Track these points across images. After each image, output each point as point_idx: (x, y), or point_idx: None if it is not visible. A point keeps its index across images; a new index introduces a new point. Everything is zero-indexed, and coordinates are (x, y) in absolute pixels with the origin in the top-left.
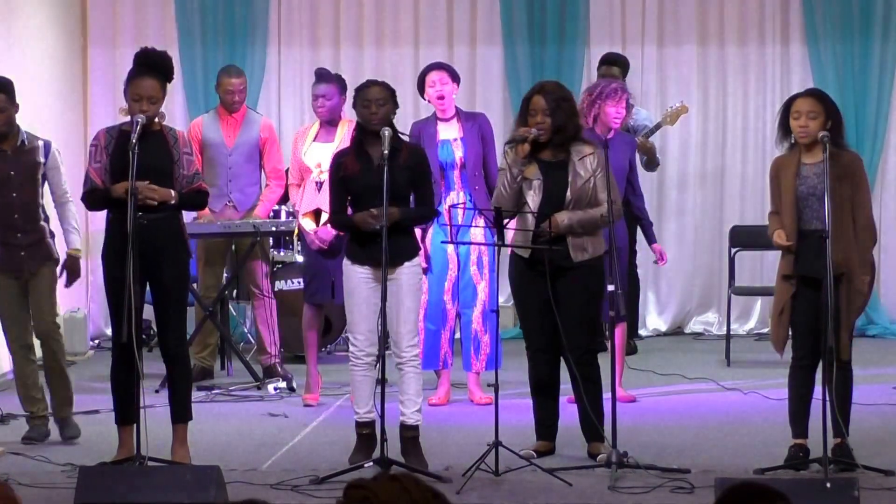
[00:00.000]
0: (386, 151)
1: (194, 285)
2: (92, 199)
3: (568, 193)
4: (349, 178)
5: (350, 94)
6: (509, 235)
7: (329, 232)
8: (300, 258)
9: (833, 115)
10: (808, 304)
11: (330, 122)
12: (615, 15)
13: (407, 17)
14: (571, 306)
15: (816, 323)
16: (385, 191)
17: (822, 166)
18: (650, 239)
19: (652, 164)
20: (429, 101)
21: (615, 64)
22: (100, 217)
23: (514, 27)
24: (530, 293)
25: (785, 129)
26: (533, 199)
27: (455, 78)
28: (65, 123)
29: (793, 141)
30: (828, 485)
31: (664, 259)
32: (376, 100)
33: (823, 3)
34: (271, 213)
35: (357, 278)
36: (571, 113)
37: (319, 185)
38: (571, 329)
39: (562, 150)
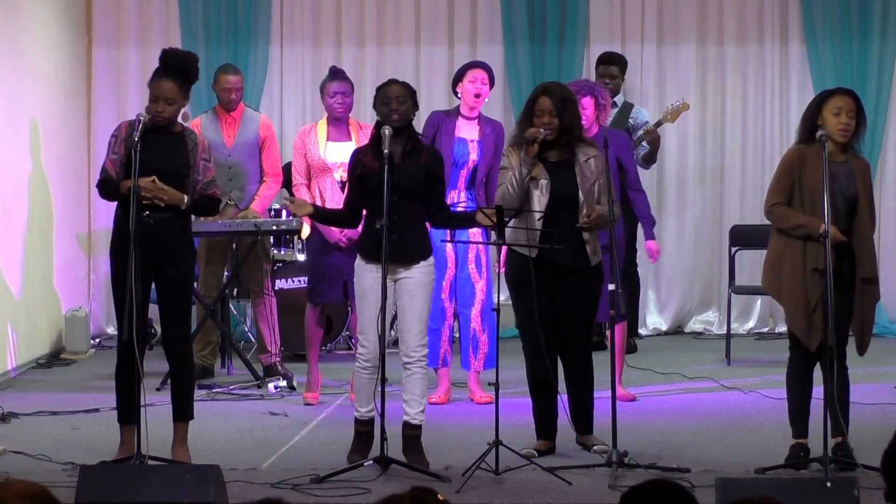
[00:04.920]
0: (386, 151)
1: (195, 283)
2: (105, 188)
3: (580, 194)
4: (367, 176)
5: (361, 94)
6: (510, 234)
7: (356, 231)
8: (301, 257)
9: (862, 118)
10: (839, 303)
11: (340, 121)
12: (615, 14)
13: (408, 16)
14: (575, 306)
15: (844, 322)
16: (385, 189)
17: (847, 166)
18: (646, 235)
19: (653, 157)
20: (460, 97)
21: (613, 62)
22: (103, 215)
23: (515, 26)
24: (534, 292)
25: (812, 123)
26: (540, 198)
27: (492, 82)
28: (69, 122)
29: (819, 137)
30: (828, 484)
31: (654, 258)
32: (396, 97)
33: (822, 3)
34: (272, 213)
35: (371, 278)
36: (576, 114)
37: (343, 184)
38: (573, 328)
39: (566, 150)
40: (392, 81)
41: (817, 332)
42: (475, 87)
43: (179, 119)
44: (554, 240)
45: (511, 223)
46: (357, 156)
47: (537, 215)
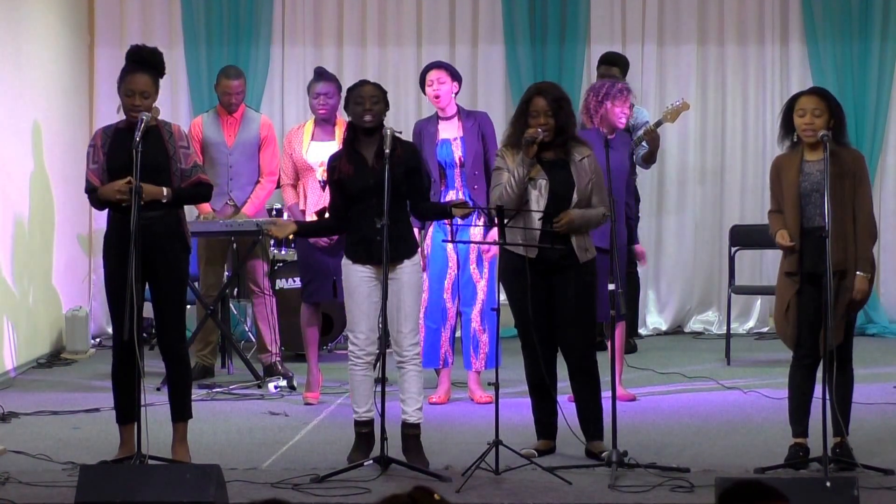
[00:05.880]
0: (387, 150)
1: (195, 284)
2: (92, 199)
3: (574, 194)
4: (344, 181)
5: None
6: (511, 234)
7: None
8: None
9: (836, 113)
10: (811, 302)
11: (326, 121)
12: (615, 14)
13: (409, 16)
14: (570, 304)
15: (819, 320)
16: (387, 189)
17: (823, 163)
18: (632, 239)
19: (653, 157)
20: (430, 99)
21: (615, 64)
22: (103, 216)
23: (516, 26)
24: (529, 292)
25: (787, 126)
26: (538, 199)
27: (455, 77)
28: (71, 123)
29: (794, 139)
30: (828, 484)
31: (643, 261)
32: (370, 97)
33: (823, 3)
34: (273, 212)
35: (357, 277)
36: (570, 113)
37: (324, 184)
38: (571, 327)
39: (561, 150)
40: (364, 82)
41: (791, 334)
42: (432, 89)
43: (147, 114)
44: (553, 239)
45: (509, 223)
46: (333, 162)
47: (536, 215)
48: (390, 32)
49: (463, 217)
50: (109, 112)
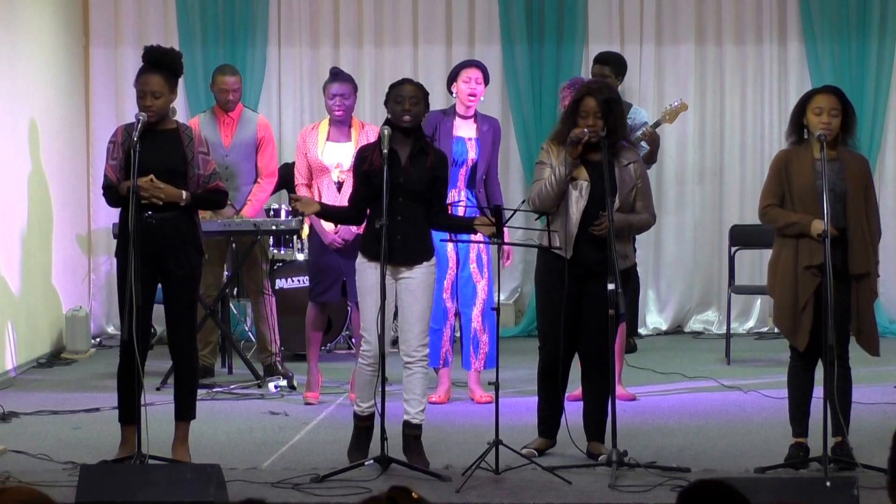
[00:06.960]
0: (385, 150)
1: None
2: (108, 195)
3: (616, 199)
4: (373, 173)
5: (359, 94)
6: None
7: (351, 231)
8: (300, 256)
9: (849, 114)
10: (819, 302)
11: (342, 122)
12: (613, 14)
13: (406, 16)
14: (598, 308)
15: (842, 320)
16: (385, 188)
17: (838, 164)
18: None
19: (652, 158)
20: (456, 95)
21: (606, 63)
22: (102, 215)
23: (513, 26)
24: (561, 293)
25: (798, 122)
26: (578, 200)
27: (487, 80)
28: (67, 122)
29: (805, 136)
30: (828, 483)
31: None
32: (410, 97)
33: (820, 2)
34: (272, 212)
35: (374, 276)
36: (621, 115)
37: (339, 185)
38: (595, 330)
39: (608, 152)
40: (406, 81)
41: (804, 331)
42: (469, 86)
43: (143, 115)
44: (552, 241)
45: (542, 224)
46: (363, 153)
47: (574, 217)
48: (386, 32)
49: (491, 236)
50: (105, 112)
